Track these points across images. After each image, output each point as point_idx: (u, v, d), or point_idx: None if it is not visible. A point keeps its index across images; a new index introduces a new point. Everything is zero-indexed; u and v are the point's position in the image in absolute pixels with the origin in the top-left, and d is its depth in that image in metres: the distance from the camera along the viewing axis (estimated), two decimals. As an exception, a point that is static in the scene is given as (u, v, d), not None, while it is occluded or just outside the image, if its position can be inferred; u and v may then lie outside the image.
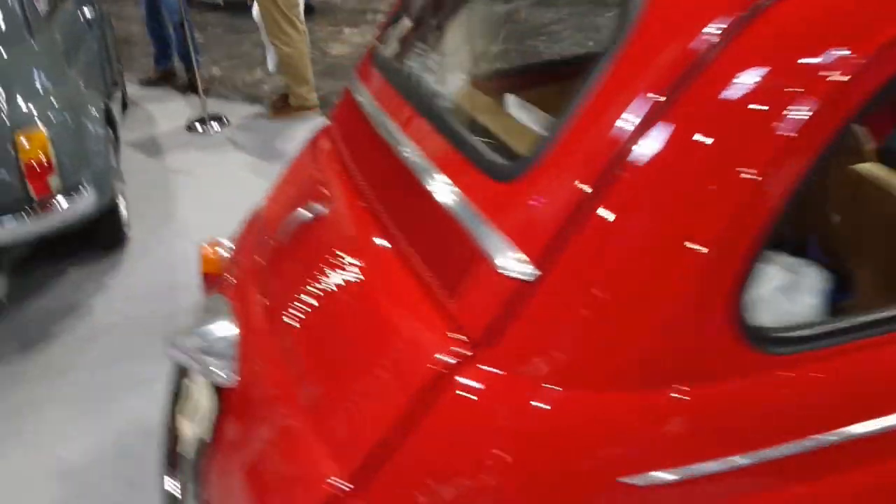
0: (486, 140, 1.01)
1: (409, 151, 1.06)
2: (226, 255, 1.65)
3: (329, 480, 0.88)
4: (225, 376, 1.15)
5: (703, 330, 0.80)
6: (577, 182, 0.81)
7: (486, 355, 0.83)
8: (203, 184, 3.67)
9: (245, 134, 4.32)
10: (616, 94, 0.81)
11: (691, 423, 0.83)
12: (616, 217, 0.79)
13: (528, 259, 0.82)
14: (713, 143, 0.78)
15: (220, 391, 1.17)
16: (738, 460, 0.83)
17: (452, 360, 0.84)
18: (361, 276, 1.03)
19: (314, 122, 4.45)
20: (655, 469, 0.81)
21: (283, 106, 4.53)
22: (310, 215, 1.19)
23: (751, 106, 0.77)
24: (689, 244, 0.78)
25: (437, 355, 0.85)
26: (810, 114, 0.76)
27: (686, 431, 0.83)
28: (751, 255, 0.78)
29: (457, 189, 0.94)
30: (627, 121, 0.78)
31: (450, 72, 1.26)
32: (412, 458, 0.85)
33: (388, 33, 1.42)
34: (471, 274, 0.87)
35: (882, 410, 0.86)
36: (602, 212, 0.79)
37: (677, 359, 0.81)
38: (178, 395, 1.38)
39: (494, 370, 0.83)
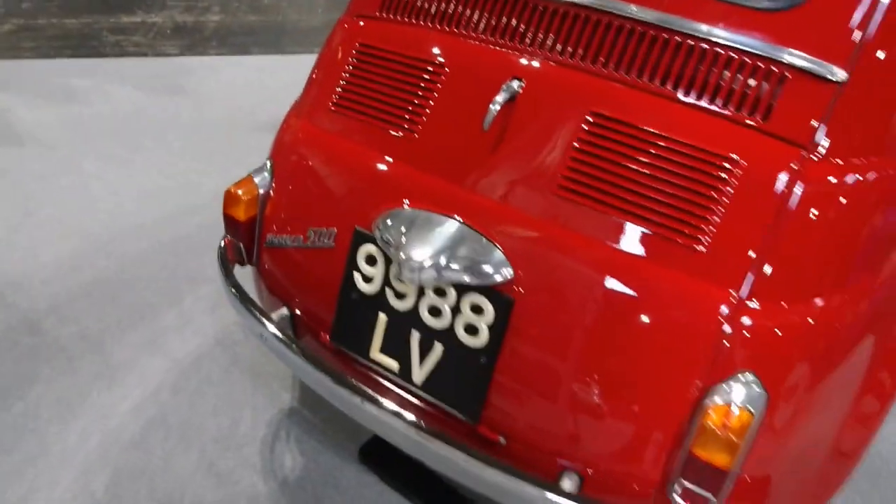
0: None
1: (638, 10, 1.11)
2: (262, 191, 1.43)
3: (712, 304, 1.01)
4: (509, 273, 1.10)
5: None
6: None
7: (820, 154, 1.03)
8: None
9: None
10: None
11: None
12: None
13: (838, 66, 1.01)
14: None
15: (492, 293, 1.13)
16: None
17: (797, 167, 1.02)
18: (644, 128, 1.08)
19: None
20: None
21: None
22: (503, 98, 1.15)
23: None
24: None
25: (784, 169, 1.01)
26: None
27: None
28: None
29: (727, 29, 1.06)
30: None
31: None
32: (789, 250, 1.02)
33: None
34: (786, 93, 1.03)
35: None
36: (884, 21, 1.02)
37: None
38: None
39: (834, 160, 1.03)
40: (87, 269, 2.28)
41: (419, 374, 1.20)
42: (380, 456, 1.65)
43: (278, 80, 3.76)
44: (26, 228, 2.46)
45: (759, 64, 1.05)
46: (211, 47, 4.01)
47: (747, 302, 1.02)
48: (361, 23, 1.41)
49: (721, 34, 1.07)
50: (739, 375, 1.02)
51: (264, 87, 3.65)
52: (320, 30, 4.40)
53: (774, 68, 1.05)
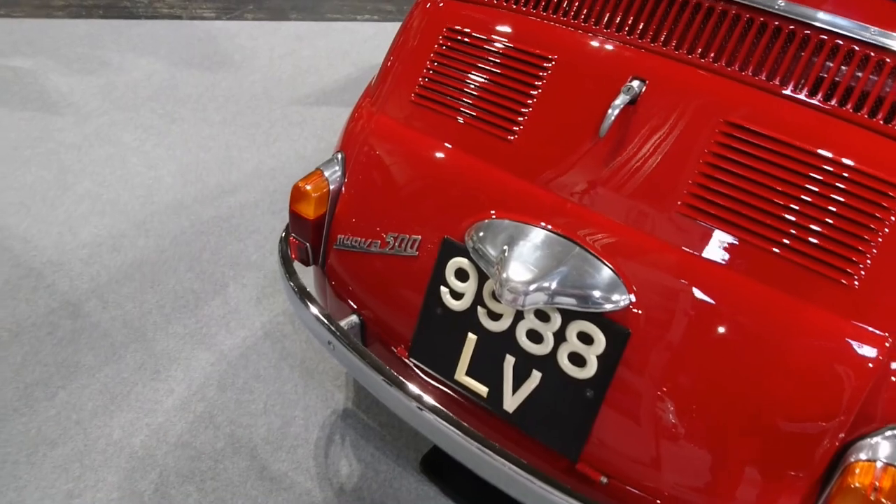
0: None
1: (787, 6, 0.97)
2: (332, 187, 1.32)
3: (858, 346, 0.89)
4: (624, 301, 0.98)
5: None
6: None
7: None
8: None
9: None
10: None
11: None
12: None
13: None
14: None
15: (604, 322, 1.01)
16: None
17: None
18: (791, 144, 0.95)
19: None
20: None
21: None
22: (623, 100, 1.02)
23: None
24: None
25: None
26: None
27: None
28: None
29: None
30: None
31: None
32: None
33: None
34: None
35: None
36: None
37: None
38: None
39: None
40: (128, 248, 2.19)
41: (511, 402, 1.10)
42: (443, 467, 1.55)
43: (317, 48, 3.62)
44: (64, 204, 2.36)
45: None
46: (247, 11, 3.87)
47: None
48: (442, 3, 1.28)
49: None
50: (886, 429, 0.91)
51: (303, 57, 3.51)
52: (359, -4, 4.24)
53: None
